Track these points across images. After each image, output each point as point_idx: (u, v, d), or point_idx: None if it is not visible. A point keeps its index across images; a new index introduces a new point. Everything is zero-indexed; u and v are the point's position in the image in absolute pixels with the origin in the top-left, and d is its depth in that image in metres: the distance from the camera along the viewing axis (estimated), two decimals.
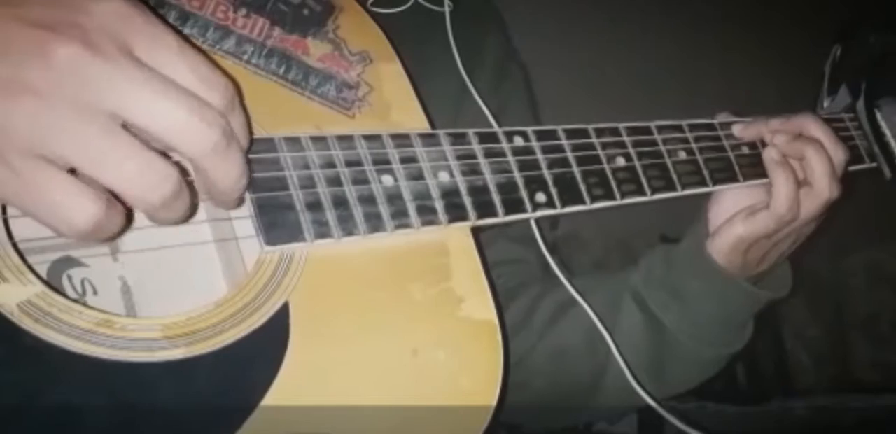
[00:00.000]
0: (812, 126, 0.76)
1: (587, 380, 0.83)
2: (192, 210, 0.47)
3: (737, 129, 0.79)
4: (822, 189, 0.73)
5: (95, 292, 0.54)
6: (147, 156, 0.42)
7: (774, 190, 0.73)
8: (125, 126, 0.42)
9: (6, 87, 0.40)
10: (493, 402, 0.57)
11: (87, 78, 0.41)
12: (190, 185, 0.45)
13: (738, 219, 0.74)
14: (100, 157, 0.41)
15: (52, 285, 0.49)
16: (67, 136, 0.41)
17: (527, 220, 0.66)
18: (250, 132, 0.49)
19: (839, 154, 0.75)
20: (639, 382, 0.73)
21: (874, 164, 0.87)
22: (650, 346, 0.75)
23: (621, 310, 0.81)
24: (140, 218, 0.49)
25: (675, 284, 0.80)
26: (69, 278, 0.54)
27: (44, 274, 0.52)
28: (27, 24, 0.41)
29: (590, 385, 0.84)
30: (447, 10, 0.84)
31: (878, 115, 0.88)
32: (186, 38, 0.45)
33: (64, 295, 0.48)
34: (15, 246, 0.47)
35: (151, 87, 0.42)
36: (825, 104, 0.92)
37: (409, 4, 0.83)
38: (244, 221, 0.55)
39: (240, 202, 0.51)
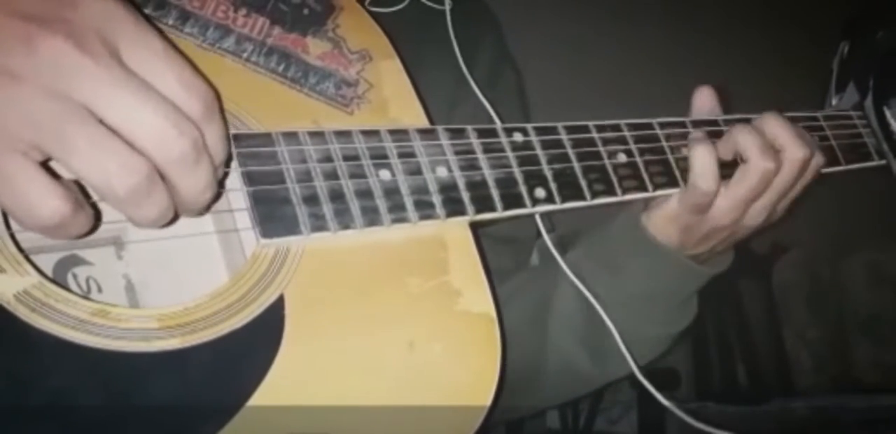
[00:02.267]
0: (770, 122, 0.75)
1: (530, 362, 0.82)
2: (172, 214, 0.47)
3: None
4: (757, 162, 0.71)
5: (100, 290, 0.55)
6: (117, 146, 0.42)
7: (691, 164, 0.72)
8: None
9: None
10: (491, 394, 0.57)
11: (68, 70, 0.41)
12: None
13: (674, 195, 0.75)
14: (68, 142, 0.41)
15: (53, 279, 0.49)
16: (40, 120, 0.41)
17: (507, 221, 0.66)
18: (228, 141, 0.49)
19: (801, 150, 0.73)
20: (640, 372, 0.72)
21: (884, 162, 0.87)
22: (587, 323, 0.74)
23: (558, 286, 0.81)
24: None
25: (611, 257, 0.79)
26: (74, 276, 0.54)
27: (49, 272, 0.53)
28: (16, 17, 0.41)
29: (532, 370, 0.83)
30: (447, 7, 0.84)
31: (888, 113, 0.87)
32: (174, 44, 0.46)
33: (61, 286, 0.48)
34: (13, 237, 0.48)
35: (129, 87, 0.42)
36: (833, 102, 0.92)
37: (406, 2, 0.83)
38: (244, 213, 0.55)
39: (201, 213, 0.51)
